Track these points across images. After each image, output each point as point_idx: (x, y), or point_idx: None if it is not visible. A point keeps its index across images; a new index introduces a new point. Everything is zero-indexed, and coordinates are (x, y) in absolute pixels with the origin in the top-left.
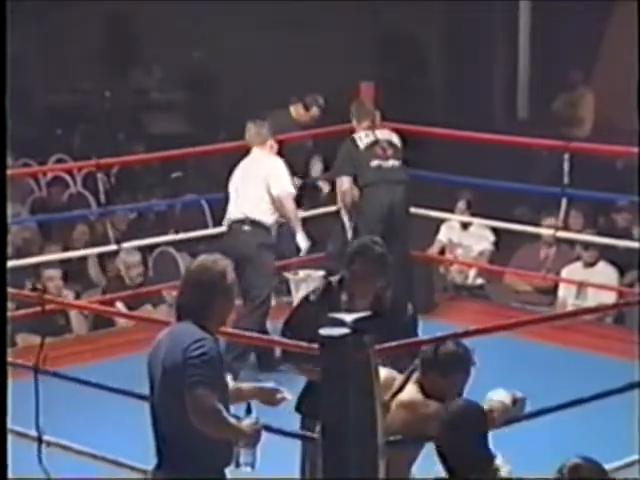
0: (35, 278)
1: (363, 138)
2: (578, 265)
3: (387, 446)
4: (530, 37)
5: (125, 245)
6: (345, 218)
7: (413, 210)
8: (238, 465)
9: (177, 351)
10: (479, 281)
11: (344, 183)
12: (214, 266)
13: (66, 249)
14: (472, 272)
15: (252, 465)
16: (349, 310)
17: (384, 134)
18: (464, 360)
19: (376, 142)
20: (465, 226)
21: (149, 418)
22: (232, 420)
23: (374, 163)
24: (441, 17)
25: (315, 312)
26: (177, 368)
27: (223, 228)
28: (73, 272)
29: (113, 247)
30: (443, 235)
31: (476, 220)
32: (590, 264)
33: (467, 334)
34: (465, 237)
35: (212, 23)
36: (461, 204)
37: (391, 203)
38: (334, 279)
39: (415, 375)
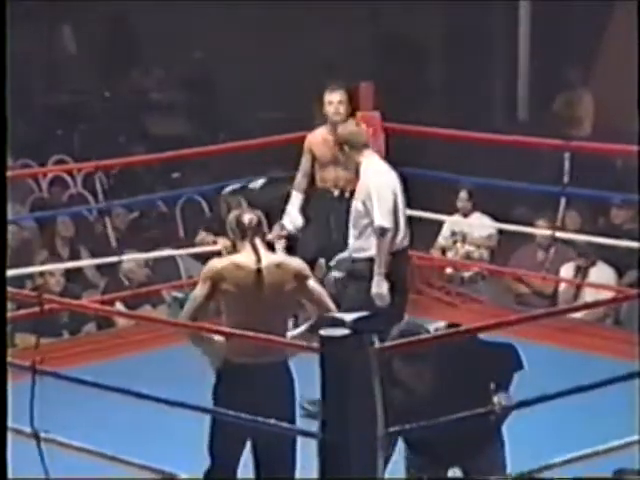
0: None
1: None
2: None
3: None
4: (530, 37)
5: (128, 256)
6: None
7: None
8: None
9: None
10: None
11: None
12: None
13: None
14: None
15: None
16: None
17: None
18: None
19: None
20: (466, 215)
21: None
22: None
23: None
24: (441, 17)
25: None
26: None
27: None
28: (72, 271)
29: (114, 259)
30: (447, 229)
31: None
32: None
33: (467, 332)
34: (467, 225)
35: (212, 23)
36: (463, 194)
37: None
38: None
39: None
